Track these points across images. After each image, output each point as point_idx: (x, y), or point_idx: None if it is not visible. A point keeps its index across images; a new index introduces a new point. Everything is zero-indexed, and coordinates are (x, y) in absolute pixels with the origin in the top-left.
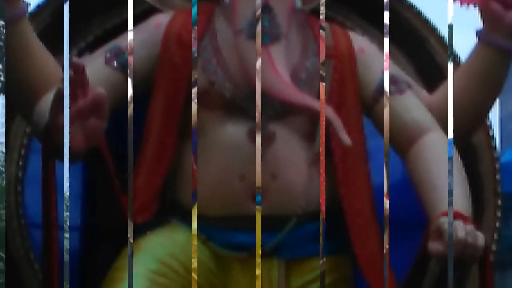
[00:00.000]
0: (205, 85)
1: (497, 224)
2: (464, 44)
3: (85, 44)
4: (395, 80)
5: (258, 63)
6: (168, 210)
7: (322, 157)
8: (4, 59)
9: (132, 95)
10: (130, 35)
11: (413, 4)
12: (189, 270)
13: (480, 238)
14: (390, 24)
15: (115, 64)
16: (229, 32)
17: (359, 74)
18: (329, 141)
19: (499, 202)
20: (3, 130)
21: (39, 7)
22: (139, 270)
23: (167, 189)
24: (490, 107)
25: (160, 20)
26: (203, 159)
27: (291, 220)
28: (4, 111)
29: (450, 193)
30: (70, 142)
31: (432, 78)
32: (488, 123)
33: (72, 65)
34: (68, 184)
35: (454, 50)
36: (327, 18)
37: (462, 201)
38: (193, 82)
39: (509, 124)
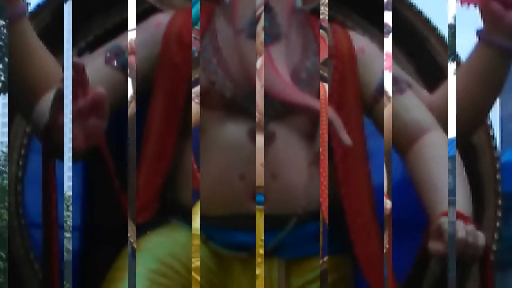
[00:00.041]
0: (205, 85)
1: (498, 224)
2: (465, 44)
3: (85, 43)
4: (395, 80)
5: (258, 63)
6: (169, 210)
7: (322, 157)
8: (5, 59)
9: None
10: (131, 35)
11: (414, 4)
12: (189, 270)
13: (481, 238)
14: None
15: (115, 64)
16: (230, 31)
17: (359, 74)
18: (330, 141)
19: (500, 201)
20: (4, 130)
21: (39, 6)
22: (140, 270)
23: (167, 189)
24: (491, 107)
25: (160, 20)
26: (204, 159)
27: (291, 220)
28: (4, 110)
29: (451, 192)
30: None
31: (432, 77)
32: (488, 122)
33: (72, 64)
34: (69, 183)
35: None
36: (328, 17)
37: (462, 201)
38: (193, 81)
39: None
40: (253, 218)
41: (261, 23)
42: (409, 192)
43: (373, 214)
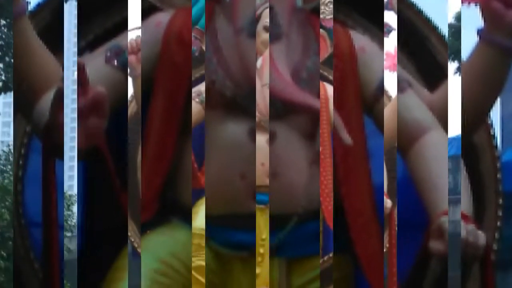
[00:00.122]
0: (206, 84)
1: (498, 223)
2: (465, 43)
3: (85, 43)
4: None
5: (259, 62)
6: (169, 210)
7: (323, 156)
8: (6, 58)
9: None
10: (131, 34)
11: (414, 3)
12: (189, 269)
13: (481, 237)
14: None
15: (115, 63)
16: (230, 31)
17: (360, 73)
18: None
19: (500, 201)
20: (4, 129)
21: (39, 5)
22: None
23: (168, 189)
24: (491, 106)
25: (160, 19)
26: (205, 158)
27: (292, 219)
28: (4, 110)
29: (452, 192)
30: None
31: (433, 77)
32: (489, 122)
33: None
34: (70, 183)
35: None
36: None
37: (462, 200)
38: (194, 81)
39: (510, 123)
40: (253, 217)
41: (262, 22)
42: (410, 191)
43: (373, 213)
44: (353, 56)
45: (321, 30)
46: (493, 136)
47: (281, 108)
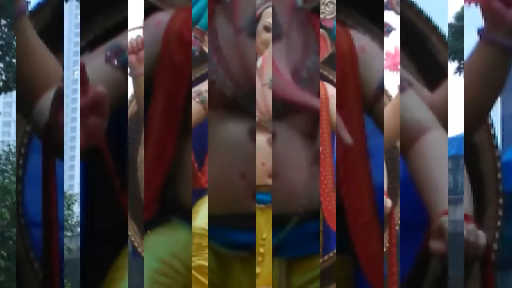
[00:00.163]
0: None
1: (499, 223)
2: (466, 42)
3: (85, 42)
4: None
5: (259, 62)
6: (169, 209)
7: (323, 156)
8: (6, 58)
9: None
10: (131, 34)
11: (414, 3)
12: (189, 269)
13: (482, 237)
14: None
15: (115, 63)
16: (230, 30)
17: (360, 72)
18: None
19: (501, 200)
20: (4, 129)
21: (39, 5)
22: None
23: (168, 189)
24: (492, 106)
25: (161, 19)
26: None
27: (292, 219)
28: (4, 110)
29: (451, 191)
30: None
31: (433, 76)
32: (489, 121)
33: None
34: (70, 183)
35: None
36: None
37: (463, 200)
38: (194, 81)
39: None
40: (253, 217)
41: (262, 22)
42: (410, 191)
43: (374, 213)
44: (354, 56)
45: (321, 30)
46: (494, 136)
47: (281, 108)
